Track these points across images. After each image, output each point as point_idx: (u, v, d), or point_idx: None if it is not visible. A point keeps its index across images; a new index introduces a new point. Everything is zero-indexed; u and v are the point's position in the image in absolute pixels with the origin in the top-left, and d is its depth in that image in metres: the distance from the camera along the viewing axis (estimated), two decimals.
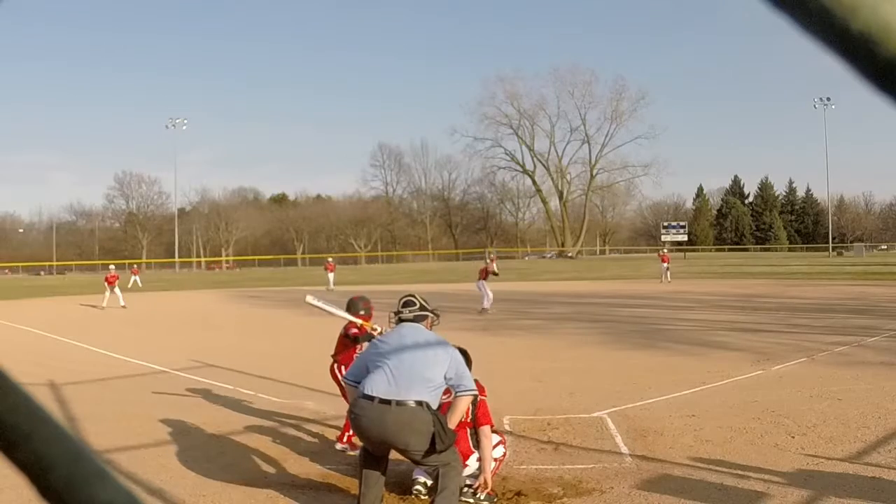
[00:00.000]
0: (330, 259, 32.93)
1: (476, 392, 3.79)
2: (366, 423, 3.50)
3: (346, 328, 5.39)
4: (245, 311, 19.82)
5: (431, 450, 3.45)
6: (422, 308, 4.01)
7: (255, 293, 28.24)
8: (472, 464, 4.11)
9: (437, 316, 4.15)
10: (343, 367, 5.28)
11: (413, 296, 4.06)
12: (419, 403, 3.47)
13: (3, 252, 69.17)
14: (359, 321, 5.22)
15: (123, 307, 20.79)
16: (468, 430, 4.17)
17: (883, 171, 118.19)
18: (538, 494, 4.16)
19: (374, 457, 3.65)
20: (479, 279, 17.02)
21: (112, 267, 23.73)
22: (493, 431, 4.30)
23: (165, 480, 4.48)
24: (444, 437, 3.47)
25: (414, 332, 3.83)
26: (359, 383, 3.67)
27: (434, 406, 3.56)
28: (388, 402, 3.46)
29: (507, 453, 4.48)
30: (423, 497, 4.14)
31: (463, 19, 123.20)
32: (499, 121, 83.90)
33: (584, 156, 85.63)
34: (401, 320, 3.95)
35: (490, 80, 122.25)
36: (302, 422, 6.06)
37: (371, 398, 3.50)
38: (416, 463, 3.66)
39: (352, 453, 5.02)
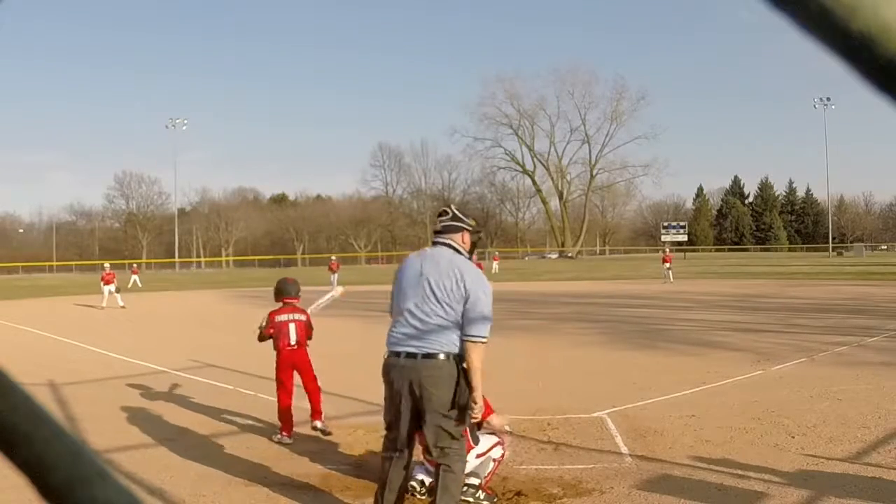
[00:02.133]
0: (333, 258, 32.49)
1: (485, 339, 3.37)
2: (395, 375, 3.35)
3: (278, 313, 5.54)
4: (245, 311, 19.80)
5: (452, 404, 3.28)
6: (454, 218, 3.52)
7: (254, 293, 28.23)
8: (471, 460, 4.08)
9: (479, 232, 3.62)
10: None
11: (448, 206, 3.59)
12: (446, 355, 3.29)
13: (3, 252, 69.11)
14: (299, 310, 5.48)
15: (122, 307, 20.60)
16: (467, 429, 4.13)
17: (883, 171, 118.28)
18: (538, 494, 4.15)
19: (399, 457, 3.49)
20: None
21: (107, 265, 23.12)
22: (490, 433, 4.28)
23: (165, 480, 4.48)
24: (463, 394, 3.30)
25: (436, 258, 3.42)
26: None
27: (459, 352, 3.34)
28: (413, 355, 3.31)
29: (507, 454, 4.47)
30: (419, 495, 4.13)
31: (463, 19, 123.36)
32: (499, 121, 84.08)
33: (584, 156, 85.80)
34: (436, 238, 3.55)
35: (490, 80, 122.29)
36: (302, 422, 6.05)
37: (397, 353, 3.36)
38: (428, 439, 3.39)
39: (287, 441, 5.24)
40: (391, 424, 3.49)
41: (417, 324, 3.33)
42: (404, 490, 3.61)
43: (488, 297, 3.37)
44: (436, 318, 3.30)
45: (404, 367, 3.33)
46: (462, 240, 3.51)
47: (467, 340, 3.32)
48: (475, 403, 3.37)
